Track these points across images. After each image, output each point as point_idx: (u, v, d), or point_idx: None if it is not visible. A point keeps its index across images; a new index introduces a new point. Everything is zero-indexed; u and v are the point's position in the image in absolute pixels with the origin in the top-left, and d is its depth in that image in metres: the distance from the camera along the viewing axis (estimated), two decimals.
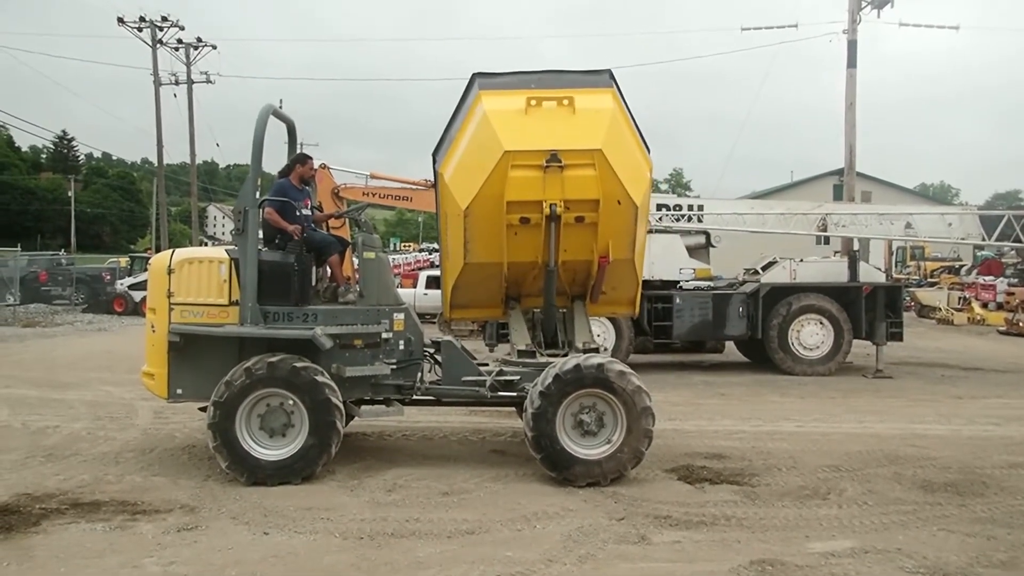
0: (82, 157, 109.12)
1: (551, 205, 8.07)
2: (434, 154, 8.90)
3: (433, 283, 27.24)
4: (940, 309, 28.70)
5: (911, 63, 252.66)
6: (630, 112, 8.63)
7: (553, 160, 8.02)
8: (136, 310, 28.58)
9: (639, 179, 8.36)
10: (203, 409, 7.90)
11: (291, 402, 7.66)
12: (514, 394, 8.43)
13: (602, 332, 15.53)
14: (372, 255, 8.36)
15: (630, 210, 8.16)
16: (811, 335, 16.22)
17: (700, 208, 17.66)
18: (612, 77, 8.58)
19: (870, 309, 16.33)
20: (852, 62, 25.69)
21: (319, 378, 7.64)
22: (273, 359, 7.61)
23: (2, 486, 7.51)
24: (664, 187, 74.19)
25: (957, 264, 40.77)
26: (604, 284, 8.86)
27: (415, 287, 27.01)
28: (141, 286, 27.32)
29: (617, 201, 8.10)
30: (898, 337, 16.71)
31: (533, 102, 8.29)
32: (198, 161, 44.46)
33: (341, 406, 7.74)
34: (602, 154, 7.93)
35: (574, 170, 8.04)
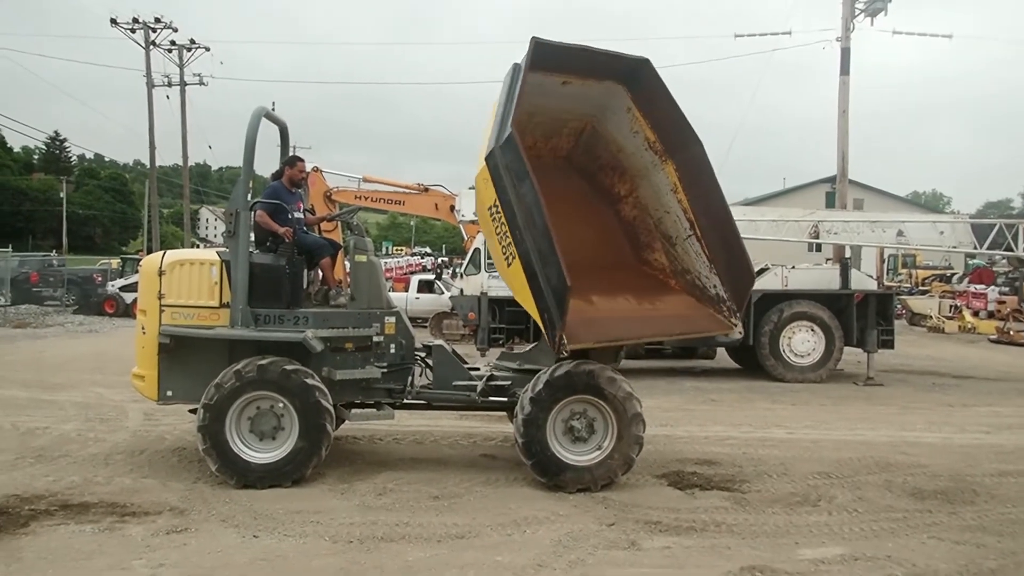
0: (74, 158, 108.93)
1: None
2: None
3: (425, 287, 27.22)
4: (931, 317, 28.78)
5: (904, 71, 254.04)
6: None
7: None
8: (127, 312, 28.51)
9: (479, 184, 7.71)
10: (193, 411, 7.88)
11: (281, 405, 7.64)
12: (505, 399, 8.43)
13: None
14: (364, 258, 8.35)
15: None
16: (802, 342, 16.25)
17: None
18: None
19: (861, 316, 16.39)
20: (845, 69, 25.81)
21: (309, 381, 7.62)
22: (263, 362, 7.59)
23: None
24: None
25: (948, 272, 40.93)
26: None
27: (407, 291, 26.99)
28: (132, 288, 27.24)
29: None
30: (889, 345, 16.77)
31: None
32: (190, 163, 44.27)
33: (331, 409, 7.73)
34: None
35: None
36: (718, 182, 7.86)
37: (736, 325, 8.04)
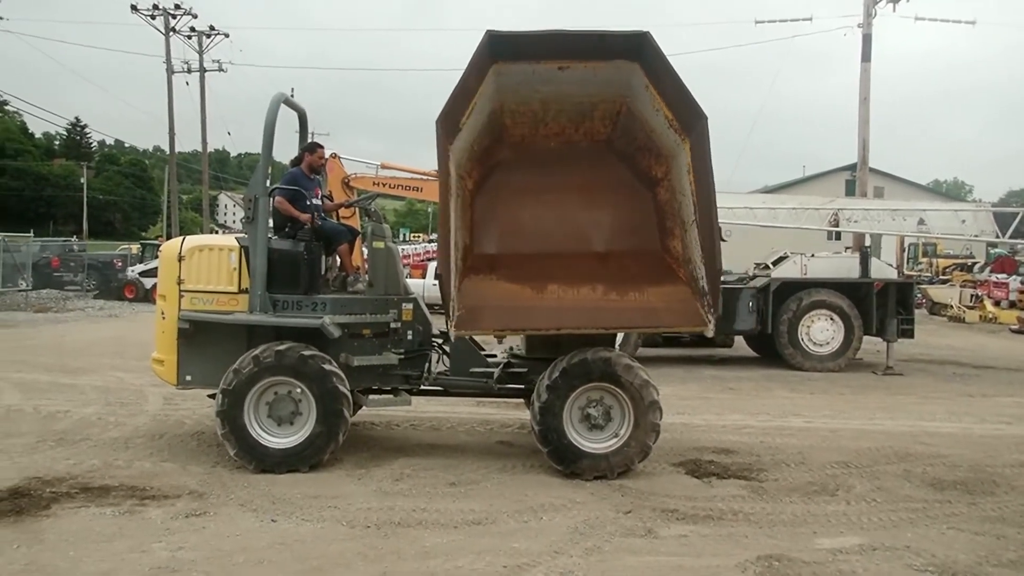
0: (95, 144, 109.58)
1: None
2: None
3: None
4: (952, 306, 28.52)
5: (926, 58, 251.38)
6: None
7: None
8: (147, 297, 28.73)
9: None
10: (212, 396, 7.93)
11: (299, 390, 7.67)
12: (521, 386, 8.42)
13: None
14: (382, 245, 8.36)
15: None
16: (821, 331, 16.14)
17: None
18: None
19: (881, 305, 16.23)
20: (867, 56, 25.57)
21: (327, 367, 7.64)
22: (281, 347, 7.62)
23: (13, 469, 7.56)
24: None
25: (970, 261, 40.52)
26: None
27: (424, 278, 26.99)
28: (152, 273, 27.39)
29: None
30: (909, 334, 16.59)
31: None
32: (210, 149, 44.58)
33: (349, 395, 7.75)
34: None
35: None
36: (712, 166, 7.59)
37: (711, 322, 7.83)
